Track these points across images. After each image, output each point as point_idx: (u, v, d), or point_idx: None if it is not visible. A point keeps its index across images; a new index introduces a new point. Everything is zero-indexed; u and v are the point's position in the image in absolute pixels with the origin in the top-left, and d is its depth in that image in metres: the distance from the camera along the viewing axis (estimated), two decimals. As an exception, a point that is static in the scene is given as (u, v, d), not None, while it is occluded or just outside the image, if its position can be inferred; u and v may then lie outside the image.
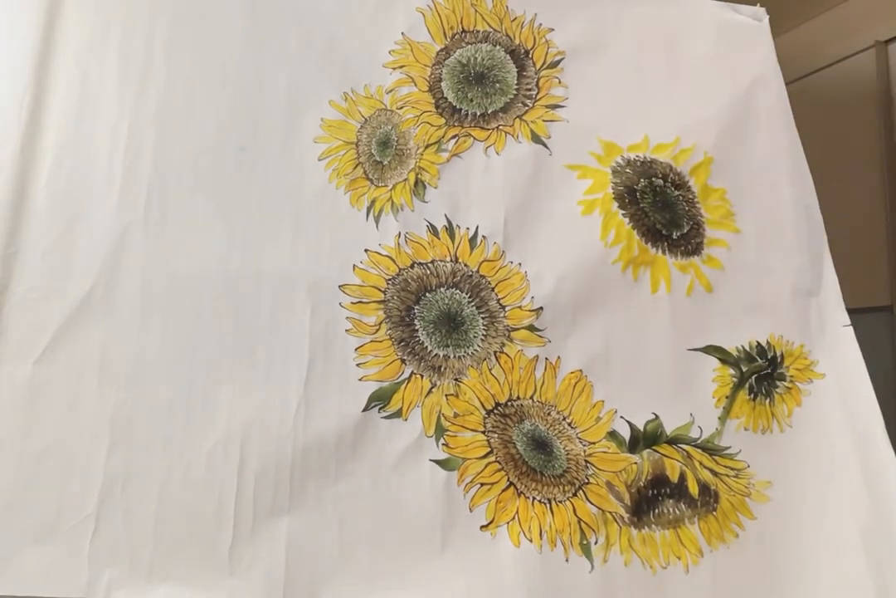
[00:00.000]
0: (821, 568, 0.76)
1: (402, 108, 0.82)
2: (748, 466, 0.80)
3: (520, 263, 0.79)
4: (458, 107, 0.83)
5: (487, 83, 0.85)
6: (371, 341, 0.74)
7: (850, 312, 0.86)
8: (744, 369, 0.83)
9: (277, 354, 0.72)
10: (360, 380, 0.73)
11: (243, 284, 0.73)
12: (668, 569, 0.74)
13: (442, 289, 0.77)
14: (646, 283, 0.81)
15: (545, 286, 0.78)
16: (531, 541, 0.71)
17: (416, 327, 0.76)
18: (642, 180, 0.84)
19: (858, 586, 0.75)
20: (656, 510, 0.76)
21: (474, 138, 0.82)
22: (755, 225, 0.88)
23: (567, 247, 0.80)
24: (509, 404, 0.75)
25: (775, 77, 0.93)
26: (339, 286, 0.75)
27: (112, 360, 0.69)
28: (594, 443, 0.76)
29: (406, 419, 0.72)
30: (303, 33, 0.81)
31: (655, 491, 0.76)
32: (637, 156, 0.85)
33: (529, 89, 0.85)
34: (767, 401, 0.83)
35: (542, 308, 0.77)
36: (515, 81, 0.85)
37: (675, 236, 0.84)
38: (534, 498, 0.73)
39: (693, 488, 0.78)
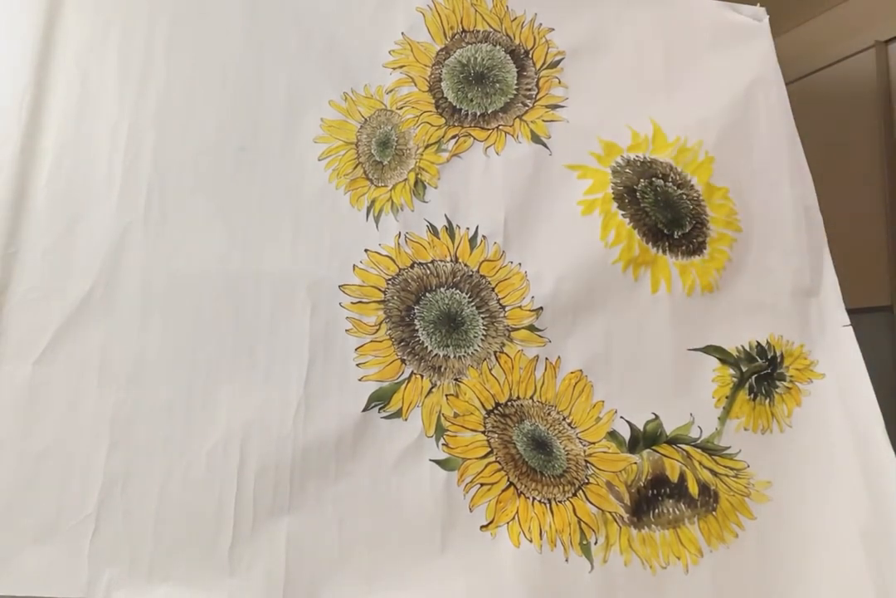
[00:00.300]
0: (821, 568, 0.76)
1: (402, 108, 0.82)
2: (748, 466, 0.80)
3: (520, 263, 0.79)
4: (458, 107, 0.83)
5: (487, 83, 0.85)
6: (371, 341, 0.74)
7: (850, 312, 0.86)
8: (744, 369, 0.83)
9: (277, 354, 0.72)
10: (360, 380, 0.73)
11: (243, 284, 0.73)
12: (668, 569, 0.74)
13: (442, 289, 0.77)
14: (646, 283, 0.81)
15: (545, 286, 0.78)
16: (531, 541, 0.71)
17: (416, 327, 0.76)
18: (642, 180, 0.84)
19: (858, 586, 0.75)
20: (656, 510, 0.76)
21: (474, 138, 0.82)
22: (755, 225, 0.88)
23: (567, 247, 0.80)
24: (509, 404, 0.75)
25: (775, 77, 0.93)
26: (339, 286, 0.75)
27: (112, 360, 0.69)
28: (594, 443, 0.76)
29: (406, 419, 0.72)
30: (303, 33, 0.81)
31: (655, 491, 0.76)
32: (637, 156, 0.85)
33: (529, 89, 0.85)
34: (767, 401, 0.83)
35: (542, 308, 0.77)
36: (515, 81, 0.85)
37: (676, 236, 0.84)
38: (534, 498, 0.73)
39: (693, 489, 0.78)
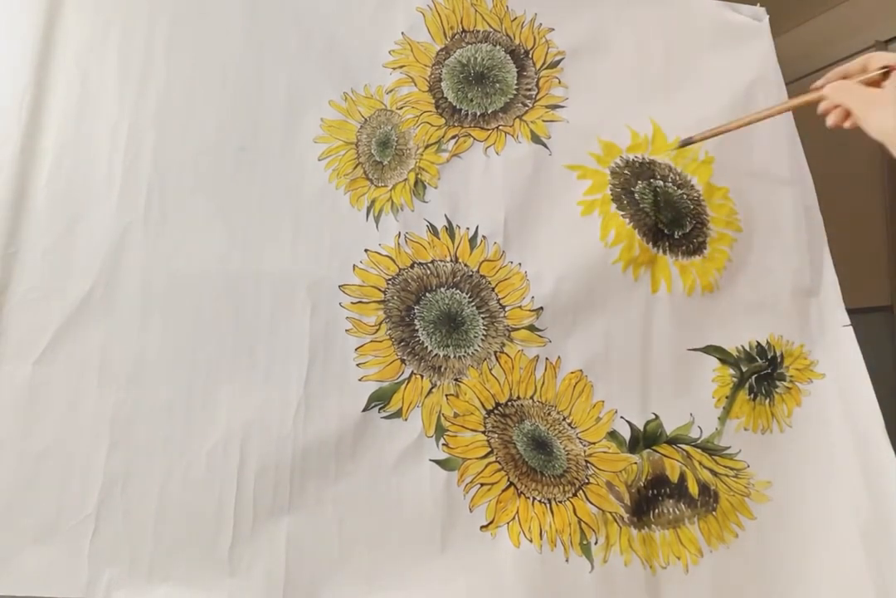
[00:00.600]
0: (821, 568, 0.76)
1: (401, 108, 0.82)
2: (748, 466, 0.80)
3: (520, 263, 0.79)
4: (458, 107, 0.83)
5: (487, 83, 0.85)
6: (371, 341, 0.74)
7: (850, 312, 0.86)
8: (744, 369, 0.83)
9: (277, 354, 0.72)
10: (360, 380, 0.73)
11: (243, 284, 0.73)
12: (668, 569, 0.74)
13: (442, 289, 0.77)
14: (646, 283, 0.81)
15: (545, 286, 0.78)
16: (531, 541, 0.71)
17: (417, 327, 0.76)
18: (640, 182, 0.84)
19: (858, 586, 0.75)
20: (656, 510, 0.76)
21: (474, 138, 0.82)
22: (755, 225, 0.88)
23: (567, 247, 0.80)
24: (509, 404, 0.75)
25: (775, 77, 0.93)
26: (339, 286, 0.75)
27: (112, 360, 0.69)
28: (594, 443, 0.76)
29: (406, 419, 0.72)
30: (303, 33, 0.81)
31: (655, 491, 0.76)
32: (636, 157, 0.85)
33: (529, 89, 0.85)
34: (767, 401, 0.83)
35: (542, 308, 0.77)
36: (515, 81, 0.85)
37: (676, 236, 0.84)
38: (534, 498, 0.73)
39: (693, 489, 0.78)
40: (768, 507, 0.79)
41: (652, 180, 0.85)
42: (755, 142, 0.90)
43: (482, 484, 0.72)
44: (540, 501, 0.73)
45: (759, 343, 0.84)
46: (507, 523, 0.72)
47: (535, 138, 0.83)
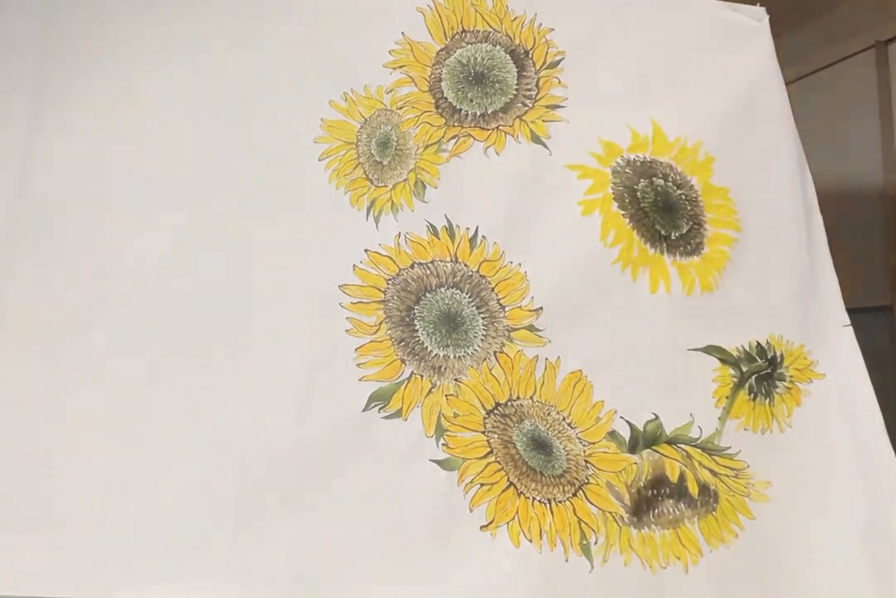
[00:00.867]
0: (821, 568, 0.76)
1: (401, 108, 0.82)
2: (748, 466, 0.80)
3: (520, 264, 0.79)
4: (457, 107, 0.83)
5: (487, 83, 0.85)
6: (371, 341, 0.74)
7: (850, 312, 0.86)
8: (744, 369, 0.83)
9: (277, 354, 0.72)
10: (360, 380, 0.73)
11: (243, 284, 0.73)
12: (668, 569, 0.74)
13: (442, 289, 0.77)
14: (645, 283, 0.81)
15: (545, 286, 0.78)
16: (531, 541, 0.71)
17: (416, 327, 0.76)
18: (642, 181, 0.84)
19: (858, 586, 0.75)
20: (656, 510, 0.76)
21: (474, 139, 0.82)
22: (755, 225, 0.87)
23: (567, 247, 0.80)
24: (509, 404, 0.75)
25: (775, 77, 0.93)
26: (339, 286, 0.75)
27: (112, 360, 0.69)
28: (594, 443, 0.76)
29: (406, 419, 0.72)
30: (303, 33, 0.81)
31: (655, 491, 0.76)
32: (637, 156, 0.85)
33: (529, 89, 0.85)
34: (767, 401, 0.83)
35: (542, 308, 0.77)
36: (515, 81, 0.85)
37: (673, 237, 0.84)
38: (534, 498, 0.73)
39: (693, 489, 0.78)
40: (768, 507, 0.79)
41: (654, 179, 0.85)
42: (755, 142, 0.90)
43: (482, 484, 0.72)
44: (540, 501, 0.73)
45: (759, 343, 0.84)
46: (507, 523, 0.72)
47: (535, 138, 0.83)
